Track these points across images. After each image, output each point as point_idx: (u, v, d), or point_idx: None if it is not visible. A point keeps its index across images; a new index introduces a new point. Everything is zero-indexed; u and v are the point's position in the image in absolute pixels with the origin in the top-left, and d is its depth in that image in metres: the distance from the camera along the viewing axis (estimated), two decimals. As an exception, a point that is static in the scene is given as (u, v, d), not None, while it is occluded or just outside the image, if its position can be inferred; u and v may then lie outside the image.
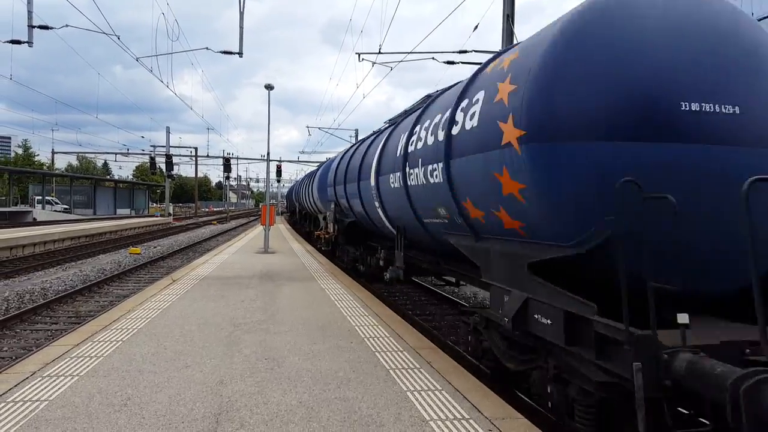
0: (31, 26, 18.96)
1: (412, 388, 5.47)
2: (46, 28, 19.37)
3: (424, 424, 4.56)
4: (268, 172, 24.78)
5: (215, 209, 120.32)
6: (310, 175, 30.74)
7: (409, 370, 6.08)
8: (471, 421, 4.66)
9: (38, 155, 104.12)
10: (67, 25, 19.97)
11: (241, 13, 19.92)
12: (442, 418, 4.72)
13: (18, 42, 19.09)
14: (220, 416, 4.66)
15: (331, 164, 20.10)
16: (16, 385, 5.34)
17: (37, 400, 4.94)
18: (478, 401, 5.13)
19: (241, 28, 20.41)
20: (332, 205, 17.05)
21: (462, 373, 6.08)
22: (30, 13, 18.91)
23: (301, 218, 39.07)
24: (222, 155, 76.79)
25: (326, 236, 19.01)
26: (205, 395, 5.16)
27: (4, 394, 5.09)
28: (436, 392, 5.37)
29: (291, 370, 6.00)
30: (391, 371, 6.04)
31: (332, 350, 6.88)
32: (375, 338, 7.55)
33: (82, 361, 6.22)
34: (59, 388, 5.27)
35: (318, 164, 39.86)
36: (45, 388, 5.29)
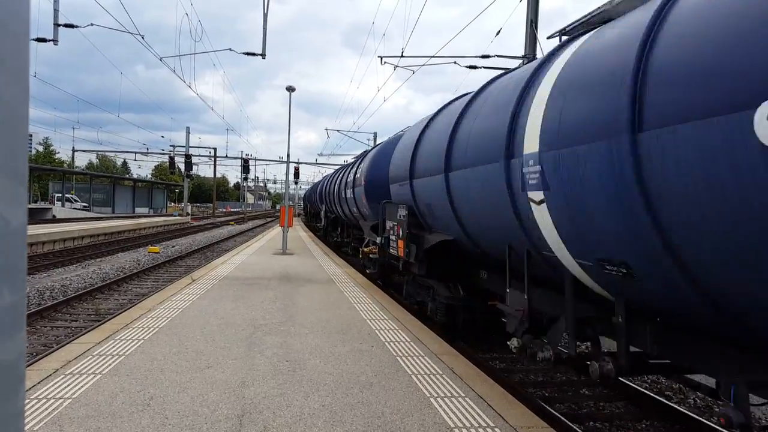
0: (56, 24, 19.15)
1: (435, 394, 5.40)
2: (71, 26, 19.54)
3: (449, 432, 4.49)
4: (287, 174, 24.82)
5: (233, 210, 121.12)
6: (346, 168, 24.48)
7: (431, 376, 6.01)
8: (496, 429, 4.58)
9: (59, 153, 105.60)
10: (92, 24, 20.17)
11: (265, 15, 19.98)
12: (467, 425, 4.64)
13: (43, 40, 19.27)
14: (243, 418, 4.62)
15: (394, 145, 13.33)
16: (39, 382, 5.34)
17: (60, 398, 4.94)
18: (502, 409, 5.05)
19: (265, 29, 20.47)
20: (402, 211, 10.46)
21: (485, 380, 6.00)
22: (56, 11, 19.10)
23: (327, 224, 30.79)
24: (240, 156, 77.18)
25: (380, 256, 12.30)
26: (227, 396, 5.12)
27: (27, 390, 5.10)
28: (460, 399, 5.30)
29: (313, 373, 5.95)
30: (413, 376, 5.97)
31: (353, 353, 6.82)
32: (395, 342, 7.48)
33: (104, 359, 6.22)
34: (82, 387, 5.26)
35: (337, 166, 38.49)
36: (68, 385, 5.29)
